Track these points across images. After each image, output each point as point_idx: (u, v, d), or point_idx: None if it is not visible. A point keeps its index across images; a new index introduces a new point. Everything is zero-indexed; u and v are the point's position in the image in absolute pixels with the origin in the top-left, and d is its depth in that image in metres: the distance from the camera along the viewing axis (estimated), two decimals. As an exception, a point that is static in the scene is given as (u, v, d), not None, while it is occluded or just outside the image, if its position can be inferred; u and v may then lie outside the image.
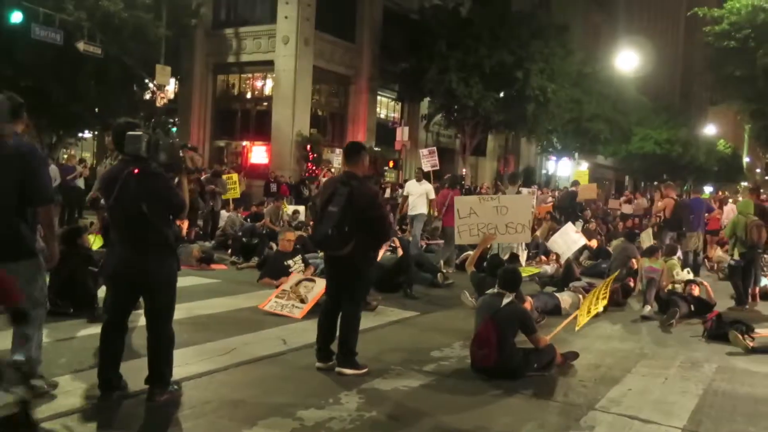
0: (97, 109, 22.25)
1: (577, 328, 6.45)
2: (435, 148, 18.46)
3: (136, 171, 4.40)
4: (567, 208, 17.99)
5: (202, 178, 14.45)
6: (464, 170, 29.01)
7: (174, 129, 27.51)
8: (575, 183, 19.35)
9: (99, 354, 4.68)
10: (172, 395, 4.72)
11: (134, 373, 4.85)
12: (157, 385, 4.63)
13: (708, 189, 51.94)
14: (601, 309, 6.64)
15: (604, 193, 31.30)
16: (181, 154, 4.96)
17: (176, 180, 4.80)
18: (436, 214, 13.94)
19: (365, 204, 5.42)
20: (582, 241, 12.96)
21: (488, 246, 9.43)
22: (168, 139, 4.67)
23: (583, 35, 42.62)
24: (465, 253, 11.76)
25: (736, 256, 10.20)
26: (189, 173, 5.07)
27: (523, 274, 9.61)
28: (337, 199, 5.42)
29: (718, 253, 14.50)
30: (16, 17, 18.08)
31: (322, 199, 5.63)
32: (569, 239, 12.27)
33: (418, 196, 12.96)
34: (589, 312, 6.48)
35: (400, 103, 31.71)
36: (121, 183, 4.38)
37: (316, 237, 5.72)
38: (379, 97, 30.32)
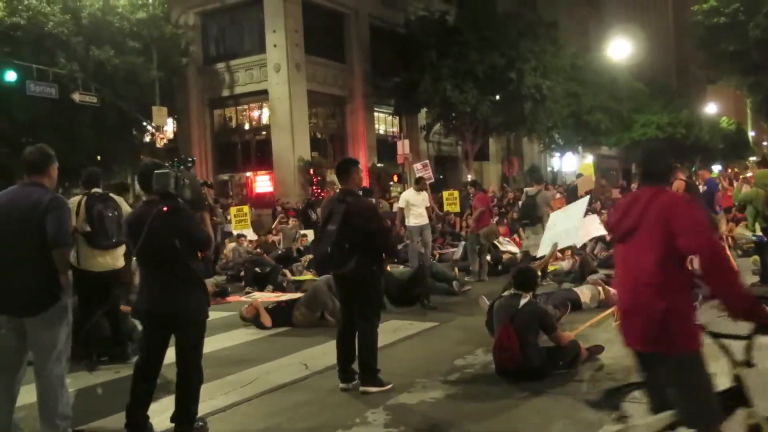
0: (99, 157, 22.41)
1: (615, 324, 6.30)
2: (428, 161, 18.50)
3: (165, 209, 4.43)
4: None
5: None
6: (470, 176, 28.89)
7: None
8: (580, 176, 19.28)
9: (130, 393, 4.64)
10: (200, 431, 4.67)
11: (157, 413, 4.80)
12: (184, 423, 4.56)
13: (716, 167, 51.57)
14: None
15: (610, 184, 31.15)
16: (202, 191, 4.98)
17: (198, 216, 4.80)
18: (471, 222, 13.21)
19: (364, 219, 5.39)
20: (600, 231, 12.93)
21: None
22: (191, 177, 4.68)
23: (572, 30, 42.63)
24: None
25: (758, 231, 9.96)
26: (210, 210, 5.11)
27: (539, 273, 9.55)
28: (335, 217, 5.39)
29: (738, 229, 14.35)
30: (11, 76, 18.28)
31: (321, 219, 5.62)
32: (591, 227, 12.28)
33: (420, 205, 12.64)
34: None
35: (397, 117, 31.74)
36: (150, 222, 4.39)
37: (317, 257, 5.70)
38: (376, 114, 30.37)
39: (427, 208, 12.74)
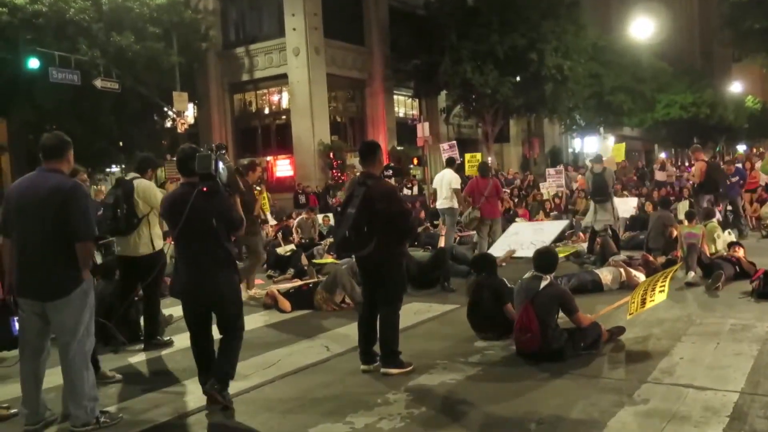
0: (121, 143, 22.64)
1: (628, 317, 6.29)
2: (455, 141, 18.36)
3: (204, 189, 4.67)
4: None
5: None
6: (490, 158, 28.72)
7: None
8: (598, 159, 18.99)
9: (196, 363, 5.02)
10: (227, 402, 4.83)
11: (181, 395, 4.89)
12: (219, 381, 4.77)
13: (741, 147, 50.74)
14: (658, 302, 6.40)
15: (632, 165, 30.79)
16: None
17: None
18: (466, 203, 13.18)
19: (384, 202, 5.39)
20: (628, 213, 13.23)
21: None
22: (226, 161, 4.94)
23: (594, 9, 42.00)
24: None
25: None
26: (240, 194, 5.33)
27: (560, 255, 9.54)
28: (354, 201, 5.42)
29: (764, 209, 14.20)
30: (33, 63, 18.47)
31: (342, 202, 5.65)
32: (625, 207, 12.58)
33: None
34: (644, 303, 6.23)
35: (417, 100, 31.62)
36: (193, 202, 4.61)
37: (336, 240, 5.78)
38: (395, 97, 30.28)
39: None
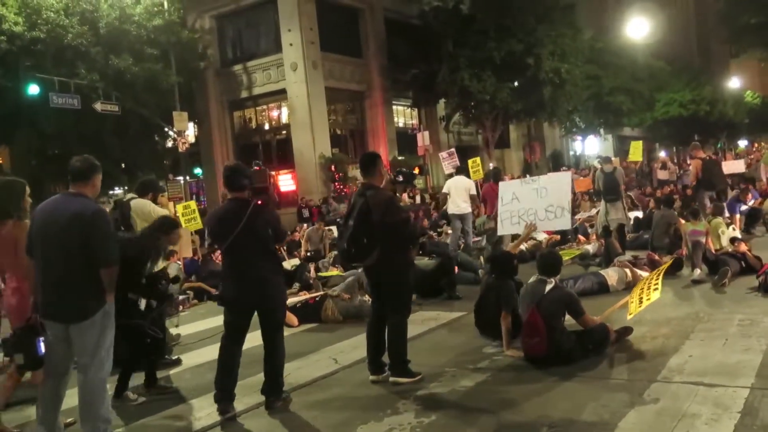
0: (123, 165, 22.72)
1: (629, 317, 6.28)
2: (453, 149, 18.40)
3: (260, 202, 5.02)
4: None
5: None
6: (491, 164, 28.73)
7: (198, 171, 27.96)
8: (607, 159, 19.04)
9: (218, 366, 5.16)
10: (286, 401, 5.24)
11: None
12: (274, 393, 5.20)
13: (743, 143, 50.67)
14: (653, 300, 6.41)
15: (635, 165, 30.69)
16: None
17: None
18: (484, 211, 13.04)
19: (380, 211, 5.42)
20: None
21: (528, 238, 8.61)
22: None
23: (589, 11, 42.10)
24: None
25: None
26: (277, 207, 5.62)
27: (565, 257, 9.54)
28: (353, 213, 5.47)
29: (766, 204, 14.19)
30: (33, 89, 18.57)
31: (345, 214, 5.71)
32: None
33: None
34: (641, 302, 6.24)
35: (416, 110, 31.68)
36: (250, 214, 4.95)
37: (339, 252, 5.90)
38: (394, 107, 30.33)
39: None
